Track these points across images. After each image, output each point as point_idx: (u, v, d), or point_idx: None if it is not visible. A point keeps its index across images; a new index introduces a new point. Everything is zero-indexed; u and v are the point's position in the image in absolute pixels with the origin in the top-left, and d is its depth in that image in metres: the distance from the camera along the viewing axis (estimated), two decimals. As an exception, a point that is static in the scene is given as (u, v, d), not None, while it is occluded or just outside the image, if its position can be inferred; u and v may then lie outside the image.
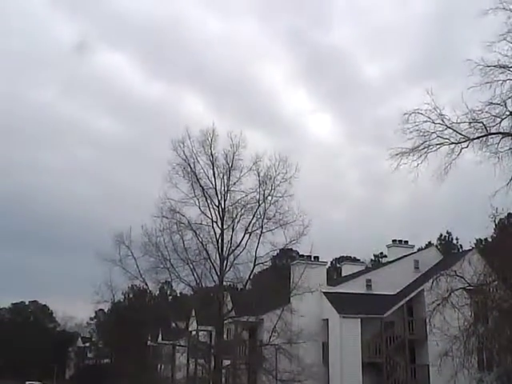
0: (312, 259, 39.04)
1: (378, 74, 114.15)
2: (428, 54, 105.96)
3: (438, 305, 24.92)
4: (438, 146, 22.03)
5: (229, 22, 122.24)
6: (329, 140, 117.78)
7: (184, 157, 32.50)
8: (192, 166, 32.54)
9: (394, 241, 46.30)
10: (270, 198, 32.57)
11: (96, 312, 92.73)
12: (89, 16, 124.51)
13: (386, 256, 54.97)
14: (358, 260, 62.97)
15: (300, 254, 40.58)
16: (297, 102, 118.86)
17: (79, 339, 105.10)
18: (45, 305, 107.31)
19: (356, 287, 40.64)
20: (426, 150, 22.05)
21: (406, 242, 46.31)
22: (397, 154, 22.28)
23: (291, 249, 39.69)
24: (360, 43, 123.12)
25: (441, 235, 68.97)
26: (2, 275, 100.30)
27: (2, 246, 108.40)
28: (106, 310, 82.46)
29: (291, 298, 34.90)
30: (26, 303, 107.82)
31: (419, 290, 37.69)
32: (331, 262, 69.06)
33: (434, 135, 21.96)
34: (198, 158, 32.77)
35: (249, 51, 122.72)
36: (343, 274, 50.05)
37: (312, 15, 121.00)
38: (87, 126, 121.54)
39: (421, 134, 21.99)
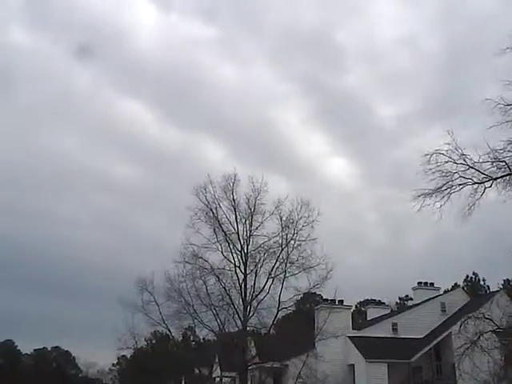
0: (336, 303, 38.61)
1: (393, 115, 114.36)
2: (442, 94, 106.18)
3: (467, 348, 24.33)
4: (461, 186, 21.89)
5: (243, 68, 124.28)
6: (347, 182, 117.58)
7: (206, 202, 32.74)
8: (214, 211, 32.74)
9: (419, 283, 45.57)
10: (292, 242, 32.57)
11: (118, 358, 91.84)
12: (105, 65, 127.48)
13: (411, 299, 54.14)
14: (383, 303, 62.03)
15: (324, 298, 40.24)
16: (313, 146, 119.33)
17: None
18: (67, 351, 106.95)
19: (382, 331, 39.88)
20: (448, 190, 21.91)
21: (432, 284, 45.56)
22: (419, 196, 22.16)
23: (315, 293, 39.42)
24: (373, 85, 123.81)
25: (467, 276, 67.81)
26: (24, 321, 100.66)
27: (24, 293, 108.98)
28: (128, 357, 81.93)
29: (316, 343, 34.45)
30: (49, 349, 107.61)
31: (447, 333, 36.83)
32: (356, 306, 68.18)
33: (457, 175, 21.84)
34: (220, 204, 33.03)
35: (264, 96, 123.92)
36: (368, 318, 49.31)
37: (324, 59, 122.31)
38: (104, 174, 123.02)
39: (443, 174, 21.88)
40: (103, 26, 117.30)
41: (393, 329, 40.27)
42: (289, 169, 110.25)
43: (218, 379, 42.16)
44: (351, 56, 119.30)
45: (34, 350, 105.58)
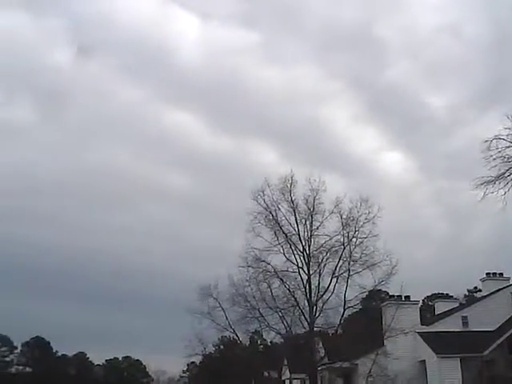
0: (403, 299, 37.93)
1: (444, 105, 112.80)
2: (492, 80, 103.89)
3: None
4: (525, 171, 21.29)
5: (287, 70, 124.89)
6: (403, 176, 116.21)
7: (265, 205, 32.83)
8: (273, 213, 32.79)
9: (487, 274, 44.36)
10: (354, 239, 32.36)
11: (188, 365, 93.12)
12: (154, 78, 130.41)
13: (480, 290, 52.87)
14: (451, 296, 60.73)
15: (390, 294, 39.64)
16: (366, 141, 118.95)
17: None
18: (138, 360, 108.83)
19: (451, 325, 39.01)
20: (512, 176, 21.34)
21: (501, 274, 44.25)
22: (481, 184, 21.71)
23: (381, 290, 38.92)
24: (421, 76, 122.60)
25: (537, 264, 65.70)
26: (95, 333, 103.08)
27: (91, 305, 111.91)
28: (197, 363, 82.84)
29: (385, 341, 34.05)
30: (120, 359, 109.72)
31: (520, 324, 35.85)
32: (423, 301, 66.96)
33: (520, 160, 21.26)
34: (279, 206, 33.04)
35: (311, 95, 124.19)
36: (437, 312, 48.36)
37: (368, 54, 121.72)
38: (159, 184, 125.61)
39: (505, 160, 21.40)
40: (148, 42, 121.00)
41: (463, 322, 39.33)
42: (343, 166, 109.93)
43: (287, 381, 42.11)
44: (395, 48, 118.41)
45: (106, 360, 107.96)
